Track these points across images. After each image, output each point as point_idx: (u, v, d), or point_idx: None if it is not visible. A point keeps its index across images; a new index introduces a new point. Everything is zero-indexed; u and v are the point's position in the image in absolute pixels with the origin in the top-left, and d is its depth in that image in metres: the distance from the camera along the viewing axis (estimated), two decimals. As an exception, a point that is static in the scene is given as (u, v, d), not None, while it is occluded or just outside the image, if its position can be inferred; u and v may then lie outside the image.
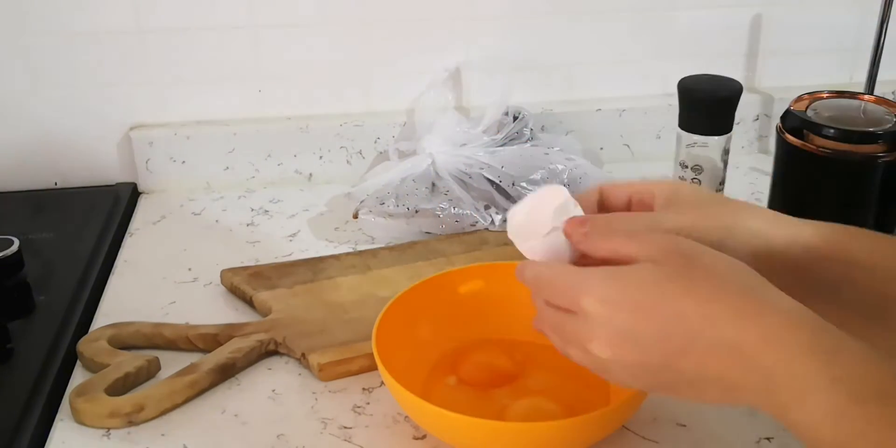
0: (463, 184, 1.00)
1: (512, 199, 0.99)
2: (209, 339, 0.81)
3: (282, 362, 0.81)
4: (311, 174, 1.12)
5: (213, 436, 0.73)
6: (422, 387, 0.76)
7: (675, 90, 0.94)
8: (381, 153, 1.12)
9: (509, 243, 0.95)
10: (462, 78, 1.11)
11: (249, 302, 0.88)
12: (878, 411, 0.47)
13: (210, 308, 0.88)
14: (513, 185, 0.99)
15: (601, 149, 1.15)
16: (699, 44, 1.15)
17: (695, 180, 0.96)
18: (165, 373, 0.78)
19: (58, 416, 0.75)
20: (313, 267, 0.91)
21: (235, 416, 0.75)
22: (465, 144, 1.05)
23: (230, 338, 0.81)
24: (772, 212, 0.63)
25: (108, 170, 1.11)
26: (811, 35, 1.16)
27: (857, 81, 1.14)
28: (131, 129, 1.09)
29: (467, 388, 0.76)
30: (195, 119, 1.10)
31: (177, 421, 0.74)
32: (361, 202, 0.99)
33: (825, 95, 0.90)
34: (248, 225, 1.03)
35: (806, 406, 0.50)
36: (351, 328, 0.82)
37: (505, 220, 0.98)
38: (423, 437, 0.73)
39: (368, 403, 0.76)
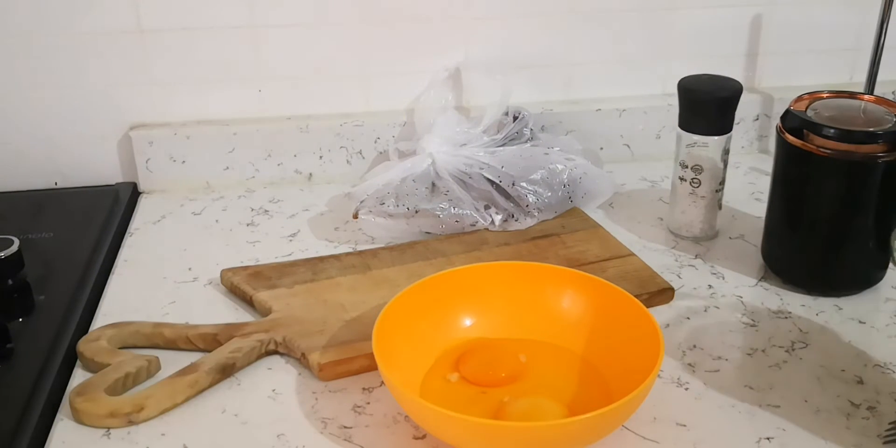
0: (463, 184, 1.00)
1: (512, 200, 0.99)
2: (209, 339, 0.81)
3: (282, 362, 0.81)
4: (311, 174, 1.12)
5: (213, 436, 0.73)
6: (422, 384, 0.76)
7: (675, 90, 0.94)
8: (381, 153, 1.12)
9: (509, 243, 0.96)
10: (462, 78, 1.11)
11: (249, 302, 0.88)
12: None
13: (210, 308, 0.88)
14: (513, 185, 0.99)
15: (601, 149, 1.15)
16: (699, 44, 1.15)
17: (695, 180, 0.96)
18: (165, 373, 0.78)
19: (58, 416, 0.75)
20: (313, 267, 0.91)
21: (235, 416, 0.75)
22: (465, 144, 1.05)
23: (230, 337, 0.81)
24: None
25: (108, 170, 1.11)
26: (811, 35, 1.16)
27: (857, 81, 1.14)
28: (131, 129, 1.09)
29: (468, 387, 0.76)
30: (195, 119, 1.10)
31: (177, 421, 0.74)
32: (361, 202, 0.99)
33: (825, 95, 0.90)
34: (248, 225, 1.03)
35: None
36: (351, 328, 0.82)
37: (505, 220, 0.98)
38: (423, 436, 0.73)
39: (368, 403, 0.76)
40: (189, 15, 1.04)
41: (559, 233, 0.98)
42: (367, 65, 1.10)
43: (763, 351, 0.82)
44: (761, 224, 0.94)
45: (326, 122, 1.11)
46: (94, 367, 0.78)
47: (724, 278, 0.93)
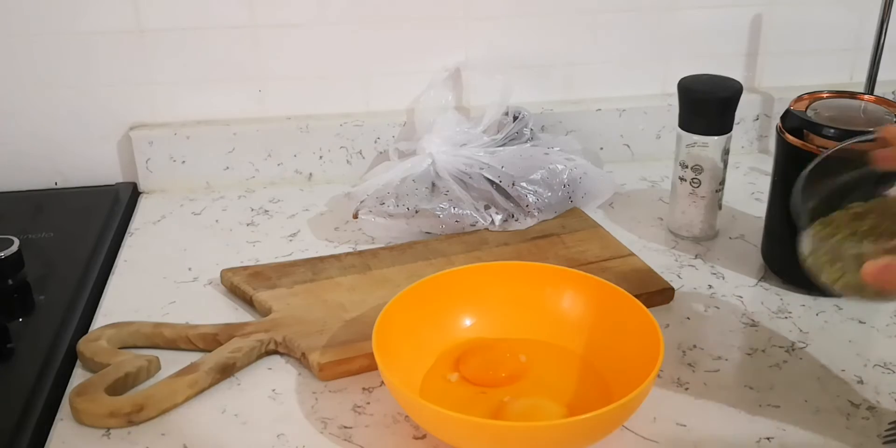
0: (463, 184, 1.00)
1: (512, 200, 0.99)
2: (209, 339, 0.81)
3: (282, 362, 0.81)
4: (311, 174, 1.12)
5: (213, 436, 0.73)
6: (422, 384, 0.76)
7: (675, 90, 0.94)
8: (381, 153, 1.12)
9: (509, 243, 0.96)
10: (462, 78, 1.11)
11: (249, 302, 0.88)
12: None
13: (210, 308, 0.88)
14: (513, 185, 0.99)
15: (601, 149, 1.15)
16: (699, 44, 1.15)
17: (695, 180, 0.96)
18: (165, 373, 0.78)
19: (58, 416, 0.75)
20: (313, 267, 0.91)
21: (235, 416, 0.75)
22: (465, 144, 1.05)
23: (230, 337, 0.81)
24: None
25: (108, 170, 1.11)
26: (811, 35, 1.16)
27: (857, 81, 1.14)
28: (131, 129, 1.09)
29: (468, 387, 0.76)
30: (195, 119, 1.10)
31: (177, 421, 0.74)
32: (361, 202, 0.99)
33: (825, 95, 0.90)
34: (248, 225, 1.03)
35: None
36: (351, 328, 0.82)
37: (505, 220, 0.98)
38: (423, 436, 0.73)
39: (368, 403, 0.76)
40: (189, 15, 1.04)
41: (559, 233, 0.98)
42: (367, 65, 1.10)
43: (763, 351, 0.82)
44: (761, 224, 0.94)
45: (326, 122, 1.11)
46: (94, 367, 0.78)
47: (724, 278, 0.93)
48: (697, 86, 0.94)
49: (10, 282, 0.89)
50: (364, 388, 0.78)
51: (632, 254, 0.94)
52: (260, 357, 0.81)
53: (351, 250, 0.97)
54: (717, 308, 0.88)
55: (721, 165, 0.95)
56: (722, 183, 0.97)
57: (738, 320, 0.86)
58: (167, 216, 1.05)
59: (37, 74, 1.05)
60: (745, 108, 1.14)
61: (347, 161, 1.12)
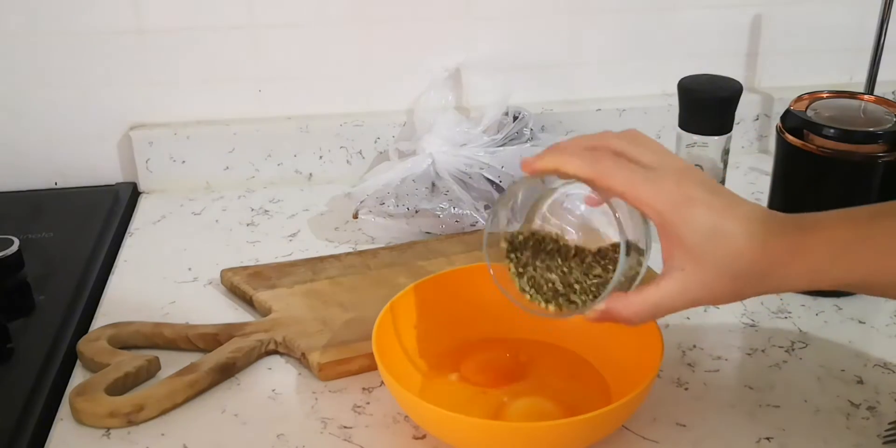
0: (463, 184, 1.00)
1: (512, 199, 0.99)
2: (209, 339, 0.81)
3: (282, 362, 0.81)
4: (311, 174, 1.12)
5: (213, 436, 0.73)
6: (422, 384, 0.76)
7: (675, 90, 0.94)
8: (381, 153, 1.12)
9: (509, 243, 0.96)
10: (462, 78, 1.11)
11: (249, 302, 0.88)
12: None
13: (210, 308, 0.88)
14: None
15: (601, 149, 1.15)
16: (699, 44, 1.15)
17: (695, 180, 0.96)
18: (165, 373, 0.78)
19: (58, 416, 0.75)
20: (313, 267, 0.91)
21: (235, 415, 0.75)
22: (465, 144, 1.05)
23: (230, 337, 0.81)
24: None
25: (108, 170, 1.11)
26: (811, 35, 1.16)
27: (857, 81, 1.14)
28: (131, 129, 1.09)
29: (468, 387, 0.76)
30: (195, 119, 1.10)
31: (177, 421, 0.74)
32: (361, 202, 0.99)
33: (825, 95, 0.90)
34: (248, 225, 1.03)
35: None
36: (351, 328, 0.82)
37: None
38: (423, 436, 0.73)
39: (368, 403, 0.76)
40: (189, 15, 1.04)
41: (559, 233, 0.98)
42: (367, 65, 1.10)
43: (763, 351, 0.82)
44: (761, 224, 0.94)
45: (326, 122, 1.11)
46: (94, 367, 0.78)
47: (724, 278, 0.93)
48: (697, 86, 0.94)
49: (10, 282, 0.89)
50: (364, 388, 0.78)
51: (632, 254, 0.94)
52: (260, 357, 0.81)
53: (351, 250, 0.97)
54: (717, 308, 0.88)
55: (721, 165, 0.95)
56: (722, 183, 0.96)
57: (738, 320, 0.86)
58: (167, 216, 1.05)
59: (37, 74, 1.05)
60: (745, 108, 1.14)
61: (347, 161, 1.12)
